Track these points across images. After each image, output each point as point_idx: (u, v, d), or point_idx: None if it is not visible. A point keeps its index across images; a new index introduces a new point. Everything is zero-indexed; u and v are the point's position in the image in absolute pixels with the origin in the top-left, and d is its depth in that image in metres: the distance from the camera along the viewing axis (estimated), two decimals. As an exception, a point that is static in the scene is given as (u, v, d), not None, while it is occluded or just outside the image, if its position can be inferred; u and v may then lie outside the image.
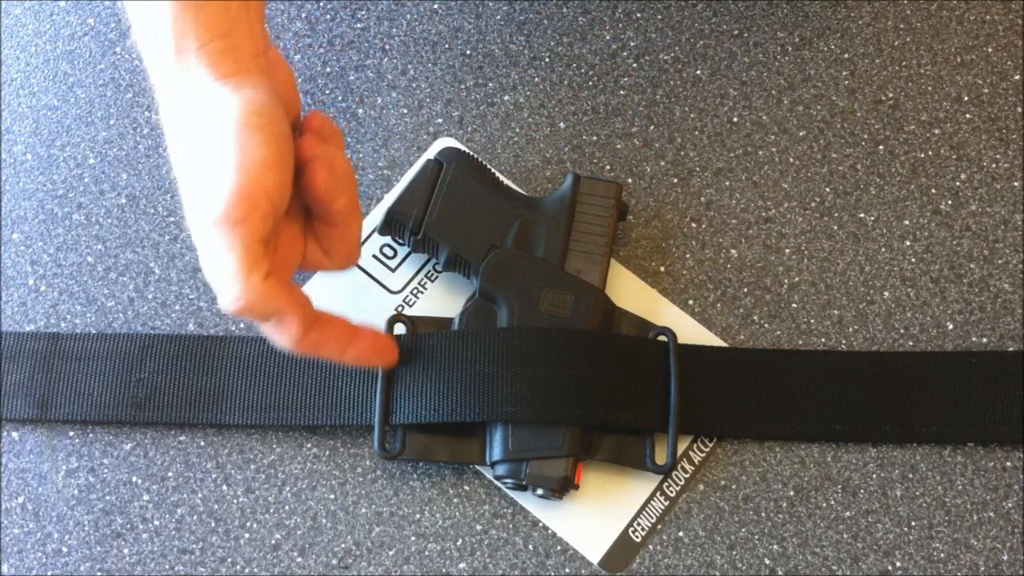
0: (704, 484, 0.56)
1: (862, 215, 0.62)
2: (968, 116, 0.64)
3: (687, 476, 0.56)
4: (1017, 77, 0.65)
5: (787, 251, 0.61)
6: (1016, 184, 0.62)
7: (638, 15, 0.66)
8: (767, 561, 0.55)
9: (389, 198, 0.62)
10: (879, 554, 0.55)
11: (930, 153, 0.63)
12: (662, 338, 0.56)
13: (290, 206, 0.48)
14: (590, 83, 0.65)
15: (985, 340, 0.59)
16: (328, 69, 0.65)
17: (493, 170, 0.60)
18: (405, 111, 0.64)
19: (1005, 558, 0.55)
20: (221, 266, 0.43)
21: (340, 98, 0.65)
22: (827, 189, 0.62)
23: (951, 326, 0.59)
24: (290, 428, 0.57)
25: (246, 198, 0.42)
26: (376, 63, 0.65)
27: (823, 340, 0.59)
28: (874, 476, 0.56)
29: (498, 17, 0.66)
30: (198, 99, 0.45)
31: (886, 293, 0.60)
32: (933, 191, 0.62)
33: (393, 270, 0.60)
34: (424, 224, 0.57)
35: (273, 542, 0.55)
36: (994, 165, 0.63)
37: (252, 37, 0.46)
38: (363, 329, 0.51)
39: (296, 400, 0.56)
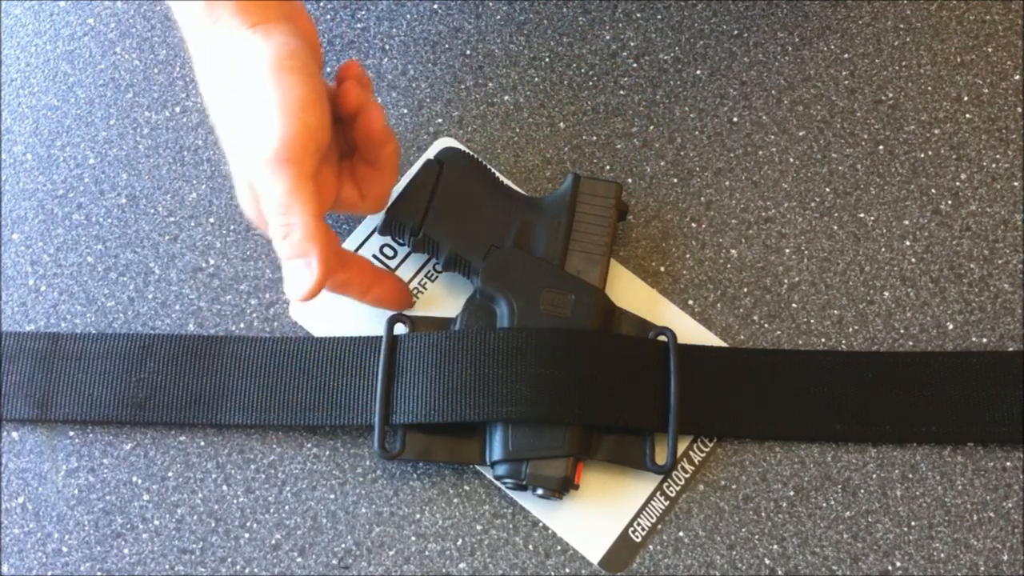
0: (704, 484, 0.56)
1: (862, 215, 0.62)
2: (968, 116, 0.64)
3: (687, 476, 0.56)
4: (1017, 77, 0.65)
5: (787, 251, 0.61)
6: (1016, 184, 0.62)
7: (638, 15, 0.66)
8: (767, 561, 0.55)
9: (389, 198, 0.62)
10: (879, 554, 0.55)
11: (930, 153, 0.63)
12: (662, 338, 0.56)
13: (328, 148, 0.51)
14: (590, 83, 0.65)
15: (985, 340, 0.59)
16: (328, 69, 0.65)
17: (493, 170, 0.60)
18: (405, 111, 0.64)
19: (1005, 558, 0.55)
20: (274, 202, 0.46)
21: (340, 98, 0.65)
22: (827, 189, 0.62)
23: (951, 326, 0.59)
24: (290, 428, 0.57)
25: (294, 137, 0.46)
26: (376, 63, 0.65)
27: (823, 340, 0.59)
28: (874, 476, 0.56)
29: (498, 17, 0.66)
30: (230, 48, 0.47)
31: (886, 293, 0.60)
32: (933, 191, 0.62)
33: (393, 270, 0.60)
34: (424, 224, 0.57)
35: (273, 542, 0.55)
36: (994, 165, 0.63)
37: None
38: (382, 272, 0.57)
39: (296, 400, 0.56)
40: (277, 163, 0.46)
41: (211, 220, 0.62)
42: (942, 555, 0.55)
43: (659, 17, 0.66)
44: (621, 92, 0.65)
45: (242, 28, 0.48)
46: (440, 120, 0.64)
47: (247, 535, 0.56)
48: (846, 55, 0.65)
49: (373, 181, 0.54)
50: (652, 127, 0.64)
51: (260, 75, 0.47)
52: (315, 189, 0.47)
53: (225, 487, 0.56)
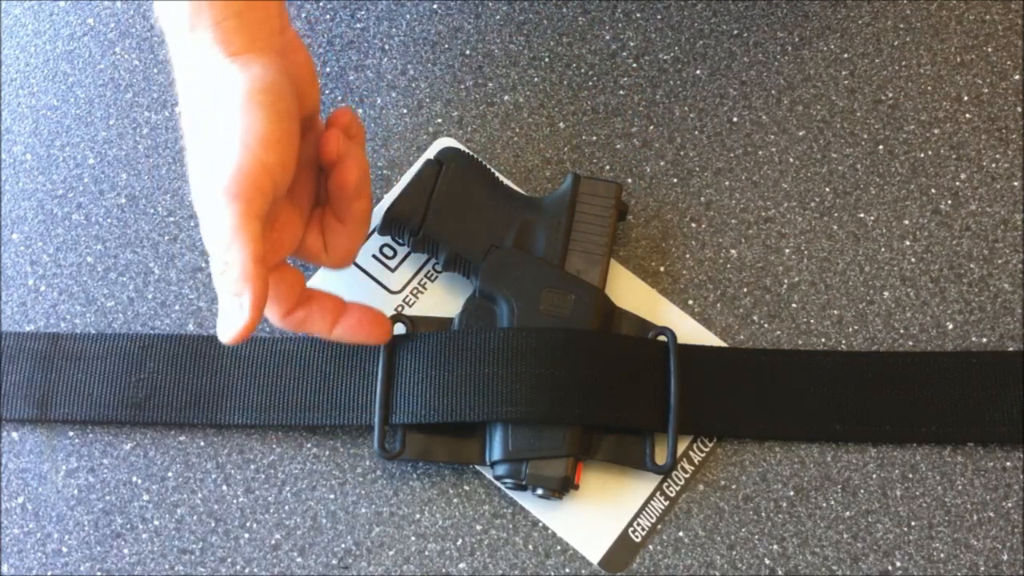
0: (704, 484, 0.56)
1: (862, 215, 0.62)
2: (968, 116, 0.64)
3: (687, 476, 0.56)
4: (1017, 77, 0.65)
5: (787, 251, 0.61)
6: (1016, 184, 0.62)
7: (638, 15, 0.66)
8: (767, 561, 0.55)
9: (389, 198, 0.62)
10: (879, 554, 0.55)
11: (930, 153, 0.63)
12: (662, 338, 0.56)
13: (299, 192, 0.50)
14: (590, 83, 0.65)
15: (985, 340, 0.59)
16: (328, 69, 0.65)
17: (493, 170, 0.60)
18: (405, 111, 0.64)
19: (1005, 558, 0.55)
20: (217, 235, 0.45)
21: (340, 98, 0.65)
22: (827, 189, 0.62)
23: (951, 326, 0.59)
24: (290, 428, 0.57)
25: (247, 173, 0.44)
26: (376, 63, 0.65)
27: (823, 340, 0.59)
28: (874, 476, 0.56)
29: (498, 17, 0.66)
30: (208, 74, 0.46)
31: (886, 293, 0.60)
32: (933, 191, 0.62)
33: (393, 270, 0.60)
34: (424, 224, 0.57)
35: (273, 542, 0.55)
36: (994, 165, 0.63)
37: (268, 17, 0.48)
38: (352, 305, 0.53)
39: (296, 400, 0.56)
40: (226, 196, 0.44)
41: (211, 220, 0.62)
42: (942, 555, 0.55)
43: (659, 17, 0.66)
44: (621, 92, 0.65)
45: (221, 56, 0.46)
46: (440, 120, 0.64)
47: (247, 535, 0.56)
48: (846, 55, 0.65)
49: (339, 235, 0.52)
50: (652, 127, 0.64)
51: (230, 106, 0.46)
52: (260, 230, 0.45)
53: (225, 487, 0.56)
